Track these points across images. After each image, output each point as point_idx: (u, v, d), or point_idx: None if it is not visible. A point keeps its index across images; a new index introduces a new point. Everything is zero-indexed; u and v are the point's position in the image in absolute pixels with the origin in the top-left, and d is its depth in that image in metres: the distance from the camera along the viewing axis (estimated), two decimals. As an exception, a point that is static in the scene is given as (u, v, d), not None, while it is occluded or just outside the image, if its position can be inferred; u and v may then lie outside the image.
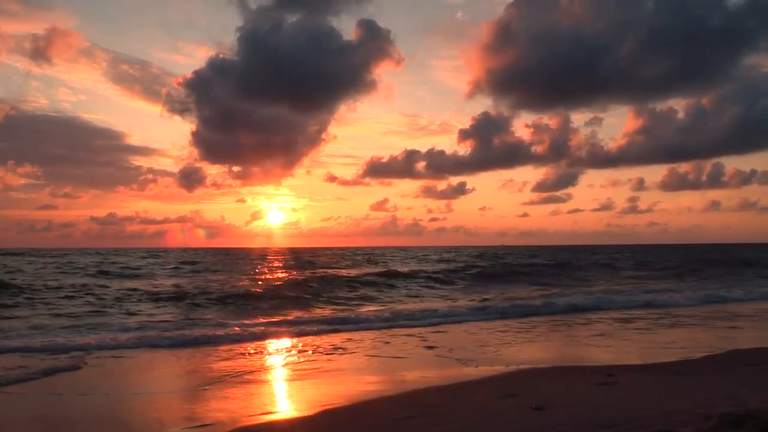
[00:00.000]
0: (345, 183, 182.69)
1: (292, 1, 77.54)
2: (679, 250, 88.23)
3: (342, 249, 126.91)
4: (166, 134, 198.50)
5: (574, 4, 66.43)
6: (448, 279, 31.83)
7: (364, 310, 19.96)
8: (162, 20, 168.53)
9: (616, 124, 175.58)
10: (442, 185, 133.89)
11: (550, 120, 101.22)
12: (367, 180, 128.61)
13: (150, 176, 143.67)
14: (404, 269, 37.77)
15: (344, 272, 37.01)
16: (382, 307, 20.82)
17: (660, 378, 8.51)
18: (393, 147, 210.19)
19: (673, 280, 34.08)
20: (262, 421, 6.95)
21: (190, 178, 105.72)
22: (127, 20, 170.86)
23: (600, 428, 5.63)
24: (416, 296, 25.32)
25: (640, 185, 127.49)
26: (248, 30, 63.55)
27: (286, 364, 10.90)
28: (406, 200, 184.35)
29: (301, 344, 13.05)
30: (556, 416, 6.23)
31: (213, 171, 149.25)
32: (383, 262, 51.71)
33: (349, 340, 13.62)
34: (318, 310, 19.63)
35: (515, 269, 38.27)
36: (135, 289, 24.73)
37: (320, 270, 40.24)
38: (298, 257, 69.37)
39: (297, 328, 15.16)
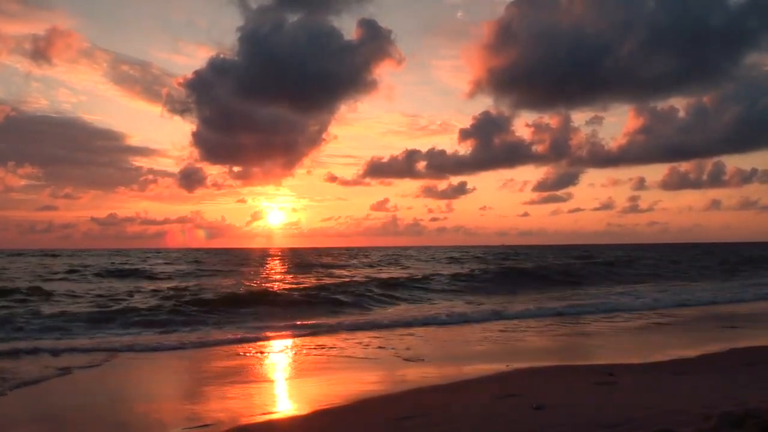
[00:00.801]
0: (345, 183, 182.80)
1: (293, 0, 77.59)
2: (681, 249, 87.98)
3: (349, 248, 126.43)
4: (166, 135, 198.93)
5: (574, 4, 66.44)
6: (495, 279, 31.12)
7: (384, 312, 19.94)
8: (162, 21, 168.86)
9: (617, 123, 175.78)
10: (442, 185, 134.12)
11: (550, 119, 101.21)
12: (367, 180, 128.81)
13: (150, 177, 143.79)
14: (423, 271, 37.25)
15: (363, 272, 36.92)
16: (398, 310, 20.74)
17: (660, 378, 8.49)
18: (393, 147, 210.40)
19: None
20: (260, 420, 6.94)
21: (190, 179, 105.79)
22: (127, 21, 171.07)
23: (600, 428, 5.61)
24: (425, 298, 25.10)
25: (640, 184, 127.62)
26: (249, 30, 63.62)
27: (288, 365, 10.91)
28: (407, 200, 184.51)
29: (302, 345, 13.06)
30: (556, 416, 6.22)
31: (213, 171, 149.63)
32: (401, 264, 50.37)
33: (358, 341, 13.62)
34: (331, 314, 19.37)
35: (552, 269, 36.78)
36: (143, 289, 24.84)
37: (336, 271, 40.08)
38: (311, 258, 68.47)
39: (300, 331, 15.14)
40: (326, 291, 23.88)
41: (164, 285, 27.73)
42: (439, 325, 16.30)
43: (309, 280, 30.77)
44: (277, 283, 29.92)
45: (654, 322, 16.19)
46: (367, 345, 12.78)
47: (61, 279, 31.71)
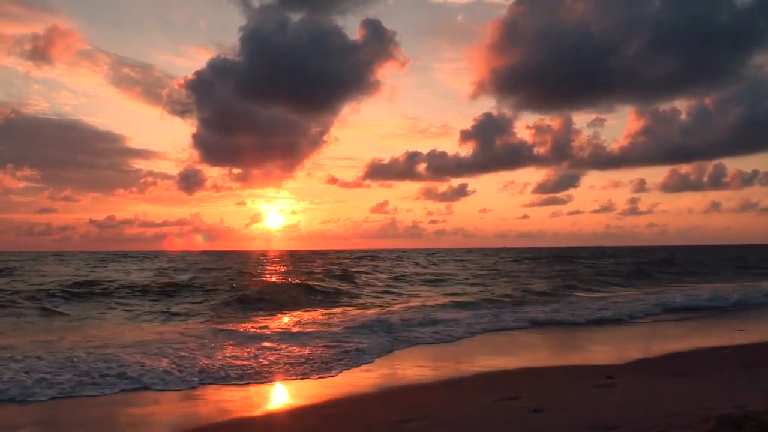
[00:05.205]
0: (345, 185, 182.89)
1: (297, -1, 77.25)
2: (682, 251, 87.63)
3: (363, 251, 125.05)
4: (166, 137, 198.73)
5: (578, 4, 66.42)
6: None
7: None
8: (163, 23, 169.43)
9: (619, 125, 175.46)
10: (443, 187, 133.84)
11: (552, 121, 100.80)
12: (367, 182, 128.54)
13: (150, 179, 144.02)
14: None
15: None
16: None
17: (659, 380, 8.46)
18: (394, 149, 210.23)
19: None
20: (255, 416, 6.92)
21: (189, 181, 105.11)
22: (128, 23, 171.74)
23: (599, 431, 5.58)
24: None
25: (641, 186, 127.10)
26: (251, 29, 63.41)
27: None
28: (407, 202, 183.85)
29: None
30: (555, 418, 6.19)
31: (213, 173, 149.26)
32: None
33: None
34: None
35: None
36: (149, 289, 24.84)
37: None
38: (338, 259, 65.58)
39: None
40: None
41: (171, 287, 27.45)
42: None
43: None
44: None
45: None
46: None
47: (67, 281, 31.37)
